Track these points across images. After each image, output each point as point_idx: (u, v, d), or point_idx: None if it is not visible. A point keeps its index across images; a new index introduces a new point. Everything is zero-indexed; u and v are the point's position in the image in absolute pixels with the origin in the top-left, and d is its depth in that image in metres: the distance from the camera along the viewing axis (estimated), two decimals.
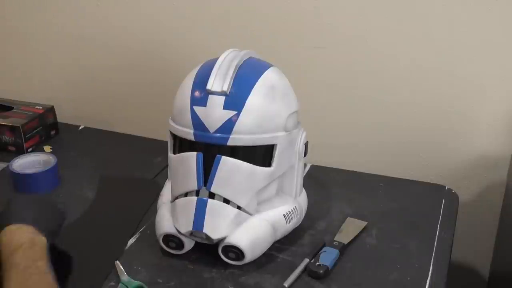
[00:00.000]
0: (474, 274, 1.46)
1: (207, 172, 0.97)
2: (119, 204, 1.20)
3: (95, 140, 1.46)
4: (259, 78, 0.99)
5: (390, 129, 1.38)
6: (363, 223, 1.12)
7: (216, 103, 0.96)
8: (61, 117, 1.50)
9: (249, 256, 0.98)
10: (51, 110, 1.47)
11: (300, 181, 1.08)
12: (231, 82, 0.96)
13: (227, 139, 0.95)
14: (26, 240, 0.85)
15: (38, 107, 1.46)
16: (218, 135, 0.96)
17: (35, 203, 0.95)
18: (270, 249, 1.03)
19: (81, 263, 0.99)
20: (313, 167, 1.34)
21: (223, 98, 0.96)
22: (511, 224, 1.29)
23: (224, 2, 1.39)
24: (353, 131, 1.41)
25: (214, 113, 0.95)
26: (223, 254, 0.99)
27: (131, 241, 1.08)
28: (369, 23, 1.30)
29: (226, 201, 0.98)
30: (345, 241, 1.06)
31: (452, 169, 1.37)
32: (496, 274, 1.39)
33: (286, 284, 0.96)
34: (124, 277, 0.96)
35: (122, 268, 0.99)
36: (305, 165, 1.22)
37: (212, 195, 0.97)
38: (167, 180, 1.09)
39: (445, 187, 1.28)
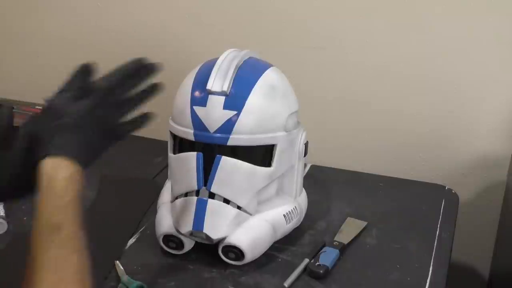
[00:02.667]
0: (474, 274, 1.46)
1: (207, 172, 0.97)
2: (119, 204, 1.20)
3: None
4: (259, 78, 0.99)
5: (390, 129, 1.38)
6: (363, 223, 1.12)
7: (216, 103, 0.96)
8: None
9: (249, 256, 0.98)
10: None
11: (300, 181, 1.08)
12: (231, 82, 0.96)
13: (227, 139, 0.95)
14: (75, 196, 0.70)
15: (38, 107, 1.46)
16: (218, 135, 0.96)
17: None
18: (270, 249, 1.03)
19: None
20: (313, 167, 1.34)
21: (223, 98, 0.96)
22: (511, 224, 1.29)
23: (224, 2, 1.39)
24: (353, 131, 1.41)
25: (214, 113, 0.95)
26: (223, 254, 0.99)
27: (131, 241, 1.08)
28: (369, 24, 1.30)
29: (226, 201, 0.98)
30: (345, 241, 1.06)
31: (452, 169, 1.36)
32: (496, 274, 1.39)
33: (286, 284, 0.96)
34: (124, 277, 0.96)
35: (122, 268, 0.99)
36: (305, 165, 1.22)
37: (212, 195, 0.97)
38: (167, 180, 1.09)
39: (445, 187, 1.28)
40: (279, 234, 1.04)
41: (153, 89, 0.81)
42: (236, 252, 0.98)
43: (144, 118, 0.81)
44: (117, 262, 1.00)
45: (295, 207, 1.06)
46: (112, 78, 0.78)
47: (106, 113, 0.76)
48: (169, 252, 1.02)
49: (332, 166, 1.35)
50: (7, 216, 1.10)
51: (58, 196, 0.68)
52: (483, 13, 1.23)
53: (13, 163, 0.75)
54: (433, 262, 1.03)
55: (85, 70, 0.78)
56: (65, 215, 0.68)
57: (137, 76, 0.80)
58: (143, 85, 0.80)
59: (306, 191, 1.12)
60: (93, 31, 1.52)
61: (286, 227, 1.04)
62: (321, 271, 0.98)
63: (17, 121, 1.39)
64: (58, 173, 0.69)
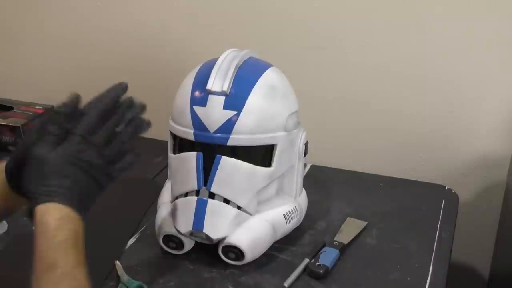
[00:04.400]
0: (474, 274, 1.46)
1: (207, 172, 0.97)
2: (119, 204, 1.20)
3: None
4: (259, 78, 0.99)
5: (390, 129, 1.38)
6: (363, 223, 1.12)
7: (216, 103, 0.96)
8: None
9: (249, 256, 0.98)
10: (51, 110, 1.47)
11: (300, 181, 1.08)
12: (231, 82, 0.96)
13: (227, 139, 0.95)
14: (70, 235, 0.72)
15: (38, 107, 1.46)
16: (218, 135, 0.96)
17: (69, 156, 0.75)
18: (270, 249, 1.03)
19: None
20: (313, 167, 1.34)
21: (223, 98, 0.96)
22: (511, 224, 1.29)
23: (224, 2, 1.39)
24: (353, 131, 1.41)
25: (214, 113, 0.95)
26: (223, 254, 0.99)
27: (131, 241, 1.08)
28: (369, 24, 1.30)
29: (226, 201, 0.98)
30: (345, 241, 1.06)
31: (452, 169, 1.36)
32: (496, 274, 1.39)
33: (286, 284, 0.96)
34: (124, 277, 0.96)
35: (122, 268, 0.99)
36: (305, 165, 1.22)
37: (212, 195, 0.97)
38: (167, 180, 1.09)
39: (445, 187, 1.28)
40: (279, 234, 1.04)
41: (138, 128, 0.82)
42: (236, 252, 0.98)
43: (134, 156, 0.81)
44: (117, 262, 1.00)
45: (295, 207, 1.06)
46: (92, 117, 0.78)
47: (91, 156, 0.77)
48: (169, 252, 1.02)
49: (332, 166, 1.35)
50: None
51: (50, 236, 0.70)
52: (483, 13, 1.23)
53: None
54: (433, 262, 1.03)
55: (66, 109, 0.79)
56: (58, 254, 0.70)
57: (118, 113, 0.81)
58: (129, 118, 0.82)
59: (306, 191, 1.12)
60: (93, 31, 1.52)
61: (286, 227, 1.04)
62: (321, 271, 0.98)
63: (17, 121, 1.40)
64: (49, 216, 0.72)
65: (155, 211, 1.06)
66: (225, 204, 0.97)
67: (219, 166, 0.96)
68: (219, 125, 0.95)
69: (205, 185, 0.97)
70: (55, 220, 0.71)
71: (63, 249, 0.71)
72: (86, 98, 0.81)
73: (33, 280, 0.69)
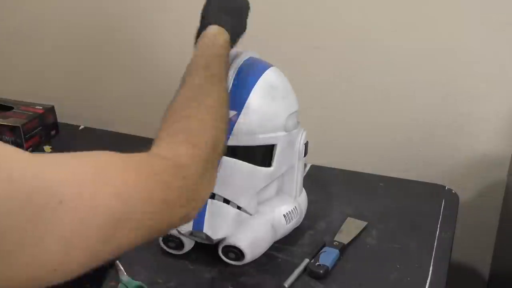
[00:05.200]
0: (474, 274, 1.46)
1: None
2: None
3: (95, 140, 1.46)
4: (259, 78, 0.99)
5: (390, 129, 1.38)
6: (363, 223, 1.12)
7: None
8: (61, 117, 1.50)
9: (249, 256, 0.98)
10: (51, 110, 1.47)
11: (300, 181, 1.08)
12: (231, 82, 0.96)
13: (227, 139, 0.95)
14: (227, 57, 0.89)
15: (38, 107, 1.46)
16: None
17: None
18: (270, 249, 1.03)
19: None
20: (313, 167, 1.34)
21: None
22: (511, 224, 1.29)
23: None
24: (353, 131, 1.41)
25: None
26: (223, 254, 0.99)
27: None
28: (369, 23, 1.30)
29: (226, 201, 0.98)
30: (345, 241, 1.06)
31: (452, 169, 1.36)
32: (496, 274, 1.39)
33: (286, 284, 0.96)
34: (124, 277, 0.96)
35: (122, 268, 0.99)
36: (305, 165, 1.22)
37: (212, 195, 0.97)
38: None
39: (445, 187, 1.28)
40: (279, 234, 1.04)
41: None
42: (236, 252, 0.98)
43: None
44: (117, 262, 1.00)
45: (295, 207, 1.06)
46: None
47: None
48: (169, 252, 1.02)
49: (332, 166, 1.35)
50: None
51: (217, 50, 0.87)
52: (483, 13, 1.23)
53: None
54: (433, 262, 1.03)
55: None
56: (218, 64, 0.85)
57: None
58: None
59: (306, 191, 1.12)
60: (93, 31, 1.52)
61: (286, 227, 1.04)
62: (321, 271, 0.98)
63: (17, 121, 1.40)
64: (220, 36, 0.90)
65: None
66: (225, 204, 0.97)
67: (219, 166, 0.96)
68: None
69: None
70: (225, 41, 0.90)
71: (223, 63, 0.86)
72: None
73: (186, 75, 0.82)
